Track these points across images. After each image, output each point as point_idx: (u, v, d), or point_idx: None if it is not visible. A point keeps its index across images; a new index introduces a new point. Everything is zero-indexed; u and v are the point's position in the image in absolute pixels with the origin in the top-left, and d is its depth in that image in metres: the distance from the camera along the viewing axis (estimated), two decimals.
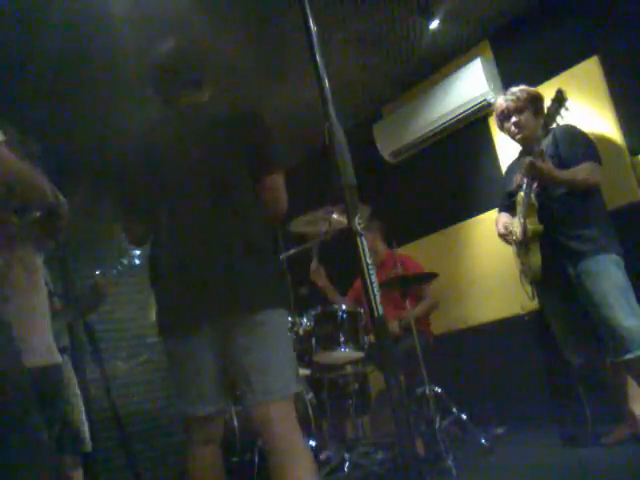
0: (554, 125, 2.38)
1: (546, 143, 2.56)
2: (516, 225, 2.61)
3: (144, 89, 1.80)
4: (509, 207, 2.74)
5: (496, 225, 2.79)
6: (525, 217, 2.52)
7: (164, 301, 1.67)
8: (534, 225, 2.49)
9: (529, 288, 2.65)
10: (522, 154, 2.75)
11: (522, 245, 2.59)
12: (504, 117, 2.70)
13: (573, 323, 2.53)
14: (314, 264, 3.47)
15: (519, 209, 2.58)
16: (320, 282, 3.55)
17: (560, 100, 2.32)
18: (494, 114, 2.82)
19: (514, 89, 2.69)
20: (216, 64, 3.47)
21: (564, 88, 2.34)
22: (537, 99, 2.65)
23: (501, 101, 2.71)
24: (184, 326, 1.61)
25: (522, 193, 2.54)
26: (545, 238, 2.50)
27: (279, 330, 1.64)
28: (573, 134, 2.59)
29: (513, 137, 2.72)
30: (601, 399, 2.64)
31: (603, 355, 2.45)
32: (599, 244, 2.42)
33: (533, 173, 2.43)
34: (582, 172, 2.45)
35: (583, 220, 2.46)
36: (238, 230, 1.62)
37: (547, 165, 2.41)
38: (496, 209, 2.95)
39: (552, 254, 2.49)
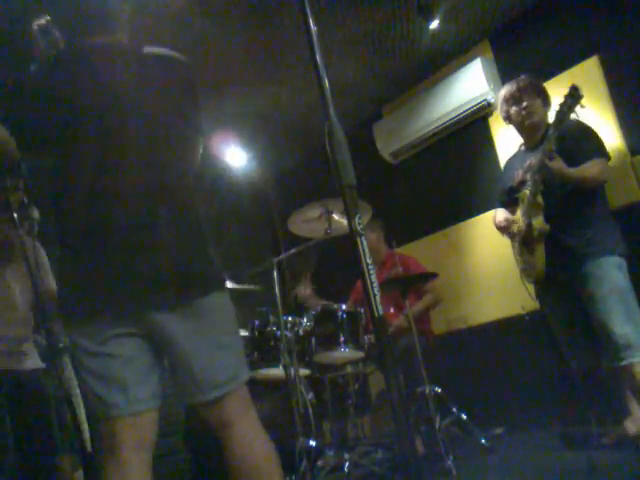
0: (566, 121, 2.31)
1: (556, 142, 2.44)
2: (518, 221, 2.54)
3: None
4: (507, 204, 2.68)
5: (494, 219, 2.72)
6: (530, 216, 2.46)
7: (76, 277, 1.35)
8: (541, 225, 2.43)
9: (532, 287, 2.61)
10: (525, 147, 2.68)
11: (525, 244, 2.53)
12: (514, 101, 2.58)
13: (574, 326, 2.50)
14: (302, 290, 3.52)
15: (522, 207, 2.51)
16: (311, 300, 3.58)
17: (575, 97, 2.25)
18: (499, 103, 2.69)
19: (521, 77, 2.61)
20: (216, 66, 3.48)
21: (563, 88, 2.30)
22: (544, 89, 2.59)
23: (509, 87, 2.61)
24: (104, 311, 1.31)
25: (527, 191, 2.46)
26: (549, 238, 2.44)
27: (221, 314, 1.41)
28: (582, 130, 2.50)
29: (521, 124, 2.60)
30: (601, 400, 2.63)
31: (602, 359, 2.43)
32: (603, 246, 2.37)
33: (545, 173, 2.37)
34: (592, 169, 2.38)
35: (588, 220, 2.42)
36: (168, 197, 1.36)
37: (558, 164, 2.34)
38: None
39: (556, 255, 2.44)
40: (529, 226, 2.47)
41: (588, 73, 3.23)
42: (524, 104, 2.55)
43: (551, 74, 3.33)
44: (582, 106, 2.27)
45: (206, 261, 1.40)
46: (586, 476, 2.14)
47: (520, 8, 3.56)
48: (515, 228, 2.56)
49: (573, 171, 2.37)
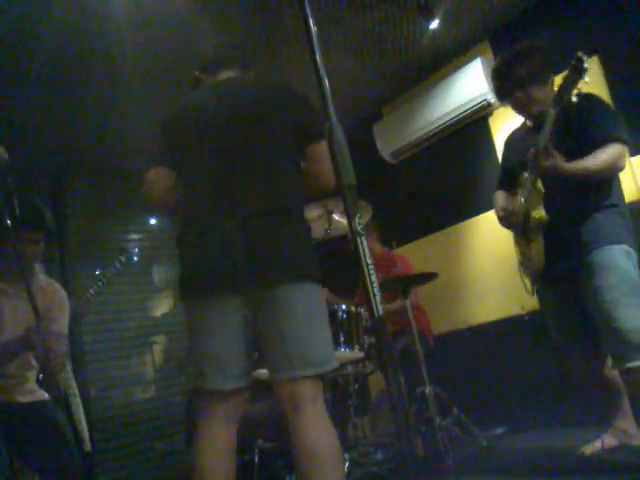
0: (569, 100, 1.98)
1: (560, 119, 2.10)
2: (517, 206, 2.30)
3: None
4: (507, 185, 2.43)
5: (494, 204, 2.47)
6: (529, 205, 2.21)
7: (192, 262, 1.59)
8: (539, 216, 2.17)
9: (529, 282, 2.38)
10: (527, 125, 2.40)
11: (523, 234, 2.30)
12: (510, 88, 2.27)
13: (574, 324, 2.25)
14: None
15: (521, 191, 2.27)
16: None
17: (580, 69, 1.94)
18: (491, 78, 2.42)
19: (518, 60, 2.26)
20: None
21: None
22: (541, 65, 2.24)
23: (501, 70, 2.30)
24: (212, 289, 1.53)
25: (526, 174, 2.20)
26: (550, 228, 2.18)
27: (317, 304, 1.57)
28: (592, 107, 2.15)
29: (520, 111, 2.35)
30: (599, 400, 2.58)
31: (602, 360, 2.23)
32: (612, 234, 2.10)
33: (538, 172, 2.12)
34: (599, 159, 2.05)
35: (593, 206, 2.15)
36: (276, 198, 1.58)
37: (554, 162, 2.04)
38: None
39: (558, 244, 2.17)
40: (527, 216, 2.24)
41: (588, 73, 3.22)
42: (520, 95, 2.25)
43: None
44: (586, 81, 1.96)
45: (306, 255, 1.59)
46: (586, 476, 2.14)
47: (520, 8, 3.56)
48: (514, 219, 2.33)
49: (574, 166, 2.06)
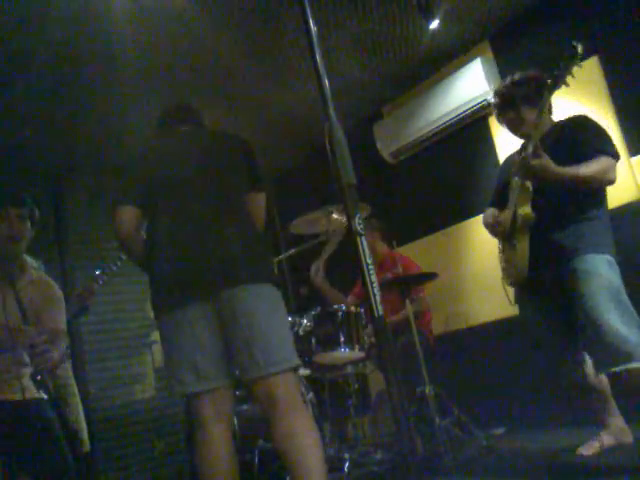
0: (562, 87, 2.05)
1: (551, 135, 2.27)
2: (506, 216, 2.34)
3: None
4: (498, 204, 2.47)
5: (483, 218, 2.52)
6: (517, 203, 2.23)
7: (159, 280, 1.74)
8: (526, 213, 2.20)
9: (511, 291, 2.41)
10: (523, 145, 2.43)
11: (509, 238, 2.32)
12: (501, 109, 2.42)
13: (557, 331, 2.29)
14: (314, 267, 3.44)
15: (511, 197, 2.30)
16: (320, 285, 3.52)
17: (574, 56, 2.00)
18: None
19: (506, 81, 2.44)
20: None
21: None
22: (530, 89, 2.35)
23: (495, 94, 2.46)
24: (178, 301, 1.67)
25: (517, 178, 2.25)
26: (535, 232, 2.22)
27: (276, 303, 1.71)
28: (583, 124, 2.26)
29: (511, 131, 2.45)
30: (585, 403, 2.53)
31: (584, 366, 2.26)
32: (595, 243, 2.16)
33: (526, 172, 2.16)
34: (590, 168, 2.11)
35: (580, 218, 2.21)
36: (232, 219, 1.78)
37: (541, 161, 2.08)
38: None
39: (542, 251, 2.22)
40: (514, 215, 2.26)
41: (588, 73, 3.22)
42: (511, 116, 2.39)
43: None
44: (580, 66, 2.02)
45: (261, 258, 1.77)
46: (586, 476, 2.14)
47: (520, 8, 3.56)
48: (501, 228, 2.37)
49: (562, 170, 2.11)
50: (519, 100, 2.34)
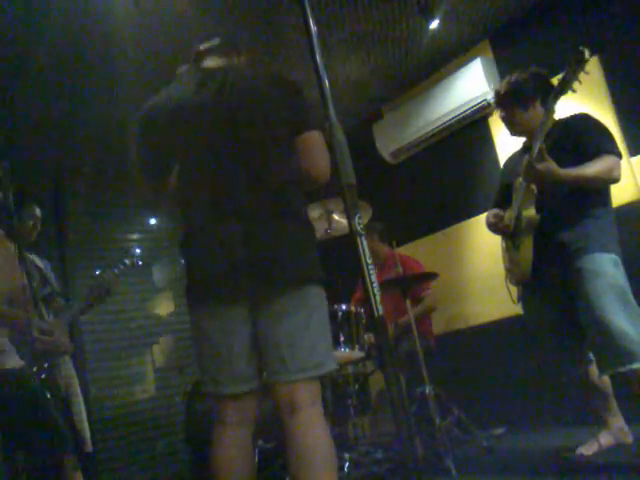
0: (568, 92, 2.04)
1: (553, 134, 2.23)
2: (509, 216, 2.35)
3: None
4: (502, 204, 2.48)
5: (487, 218, 2.51)
6: (522, 206, 2.24)
7: (197, 273, 1.58)
8: (530, 215, 2.21)
9: (514, 290, 2.41)
10: (524, 145, 2.49)
11: (512, 238, 2.33)
12: (498, 107, 2.45)
13: (562, 331, 2.28)
14: None
15: (515, 197, 2.30)
16: None
17: (580, 61, 1.97)
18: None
19: (504, 81, 2.44)
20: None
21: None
22: (527, 90, 2.36)
23: (494, 92, 2.49)
24: (218, 298, 1.53)
25: (520, 179, 2.26)
26: (539, 232, 2.22)
27: (317, 306, 1.55)
28: (587, 124, 2.26)
29: (508, 130, 2.48)
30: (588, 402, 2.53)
31: (588, 366, 2.27)
32: (600, 242, 2.15)
33: (532, 177, 2.15)
34: (594, 167, 2.10)
35: (585, 217, 2.20)
36: (278, 203, 1.53)
37: (547, 166, 2.08)
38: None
39: (547, 250, 2.21)
40: (518, 218, 2.27)
41: (588, 73, 3.22)
42: (502, 115, 2.43)
43: (551, 74, 3.32)
44: (586, 72, 1.99)
45: (309, 259, 1.56)
46: (586, 476, 2.14)
47: (520, 8, 3.56)
48: (503, 226, 2.38)
49: (567, 172, 2.11)
50: (511, 101, 2.36)
